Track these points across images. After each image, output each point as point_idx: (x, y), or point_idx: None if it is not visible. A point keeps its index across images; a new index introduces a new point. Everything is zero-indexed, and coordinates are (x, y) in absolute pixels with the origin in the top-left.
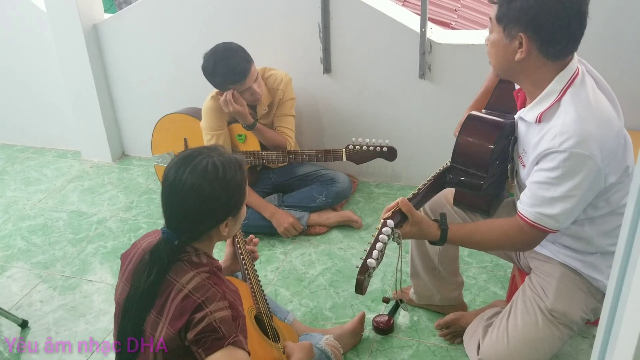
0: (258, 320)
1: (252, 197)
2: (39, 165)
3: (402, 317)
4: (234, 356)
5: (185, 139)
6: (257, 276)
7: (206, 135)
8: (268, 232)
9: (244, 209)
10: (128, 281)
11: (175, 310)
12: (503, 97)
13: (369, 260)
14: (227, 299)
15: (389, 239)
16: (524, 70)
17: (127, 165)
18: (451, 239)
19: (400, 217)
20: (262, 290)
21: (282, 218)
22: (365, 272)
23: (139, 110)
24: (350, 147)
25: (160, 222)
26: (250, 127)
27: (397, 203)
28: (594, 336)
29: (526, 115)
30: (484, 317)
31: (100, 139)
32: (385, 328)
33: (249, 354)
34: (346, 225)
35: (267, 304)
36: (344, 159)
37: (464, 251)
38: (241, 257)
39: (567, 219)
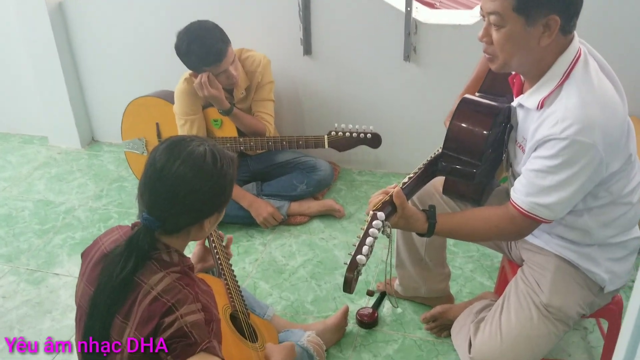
0: (234, 318)
1: None
2: (3, 152)
3: (387, 310)
4: None
5: (157, 124)
6: (233, 271)
7: (179, 120)
8: (246, 222)
9: (225, 208)
10: (90, 282)
11: (143, 314)
12: (497, 81)
13: (359, 256)
14: (199, 301)
15: (380, 233)
16: (541, 57)
17: (97, 151)
18: (439, 231)
19: (390, 208)
20: (238, 286)
21: (261, 208)
22: (354, 269)
23: (108, 93)
24: (333, 133)
25: (132, 212)
26: (226, 113)
27: (386, 193)
28: (585, 328)
29: (526, 101)
30: (473, 311)
31: (68, 124)
32: (369, 322)
33: (217, 355)
34: (328, 215)
35: (244, 301)
36: (326, 146)
37: (449, 240)
38: (215, 251)
39: (563, 209)
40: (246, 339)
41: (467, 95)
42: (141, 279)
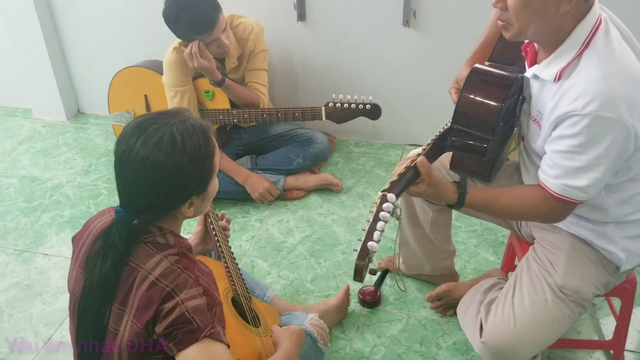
0: (235, 303)
1: (223, 160)
2: None
3: (390, 288)
4: (211, 351)
5: (145, 96)
6: (232, 253)
7: (169, 92)
8: (241, 197)
9: (214, 184)
10: (82, 268)
11: (141, 301)
12: (507, 49)
13: (370, 243)
14: (200, 284)
15: (391, 216)
16: (560, 24)
17: (84, 124)
18: (469, 203)
19: (412, 174)
20: (239, 269)
21: (257, 183)
22: (365, 256)
23: (94, 63)
24: (330, 104)
25: None
26: (218, 84)
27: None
28: (593, 304)
29: (542, 72)
30: (480, 289)
31: (52, 95)
32: (372, 301)
33: (228, 346)
34: (325, 189)
35: (245, 284)
36: (324, 118)
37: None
38: (213, 232)
39: (596, 189)
40: (249, 323)
41: (478, 65)
42: (136, 263)
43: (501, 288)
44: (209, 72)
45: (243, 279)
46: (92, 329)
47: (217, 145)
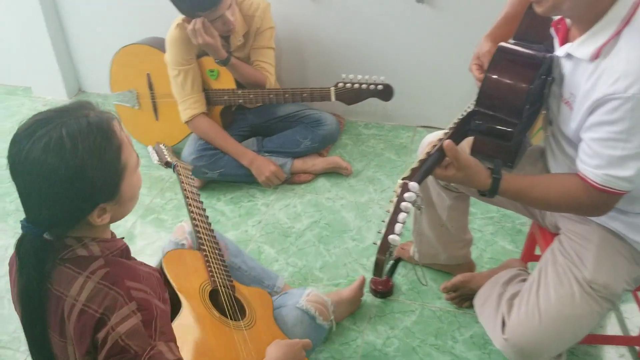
0: (216, 295)
1: (228, 142)
2: None
3: (402, 278)
4: None
5: (148, 75)
6: (214, 237)
7: (172, 70)
8: (247, 181)
9: (131, 184)
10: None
11: (76, 332)
12: (534, 25)
13: (391, 236)
14: (133, 298)
15: (413, 206)
16: (597, 0)
17: None
18: (503, 190)
19: (436, 158)
20: (221, 256)
21: (263, 166)
22: (386, 250)
23: (95, 40)
24: (340, 85)
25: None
26: (223, 63)
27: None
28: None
29: (576, 51)
30: (499, 281)
31: (52, 73)
32: (384, 291)
33: (179, 359)
34: (334, 172)
35: (227, 271)
36: (333, 99)
37: None
38: (192, 215)
39: None
40: (229, 317)
41: (503, 44)
42: (60, 291)
43: (522, 280)
44: (214, 50)
45: (226, 266)
46: (46, 356)
47: (125, 141)
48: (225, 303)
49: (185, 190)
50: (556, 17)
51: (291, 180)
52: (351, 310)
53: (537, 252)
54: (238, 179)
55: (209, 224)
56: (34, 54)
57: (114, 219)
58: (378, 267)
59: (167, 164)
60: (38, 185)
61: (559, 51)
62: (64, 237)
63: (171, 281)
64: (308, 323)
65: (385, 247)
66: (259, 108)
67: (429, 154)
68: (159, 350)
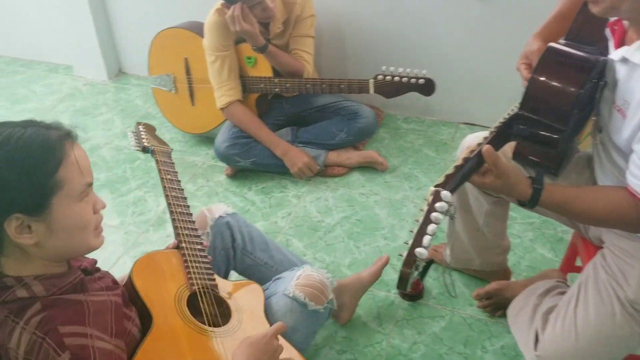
0: (195, 299)
1: (262, 131)
2: (27, 81)
3: (433, 281)
4: None
5: (186, 59)
6: (195, 229)
7: (209, 56)
8: (279, 171)
9: (67, 218)
10: None
11: None
12: (587, 26)
13: (418, 249)
14: (66, 347)
15: (444, 217)
16: None
17: (125, 84)
18: (545, 201)
19: (474, 163)
20: (201, 250)
21: (296, 157)
22: (412, 263)
23: (137, 21)
24: (380, 77)
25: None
26: (261, 50)
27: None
28: None
29: (633, 55)
30: (536, 292)
31: (93, 53)
32: (413, 293)
33: None
34: (369, 167)
35: (209, 269)
36: (372, 91)
37: None
38: (171, 210)
39: None
40: (211, 324)
41: (553, 44)
42: (5, 343)
43: (560, 293)
44: (252, 37)
45: (208, 264)
46: None
47: (73, 165)
48: (204, 310)
49: (162, 178)
50: (613, 18)
51: (324, 172)
52: (368, 287)
53: (578, 262)
54: (270, 169)
55: (190, 214)
56: (76, 33)
57: (49, 252)
58: (402, 280)
59: (145, 149)
60: None
61: (614, 54)
62: (3, 276)
63: (140, 294)
64: (299, 311)
65: (411, 261)
66: (296, 97)
67: (466, 160)
68: None
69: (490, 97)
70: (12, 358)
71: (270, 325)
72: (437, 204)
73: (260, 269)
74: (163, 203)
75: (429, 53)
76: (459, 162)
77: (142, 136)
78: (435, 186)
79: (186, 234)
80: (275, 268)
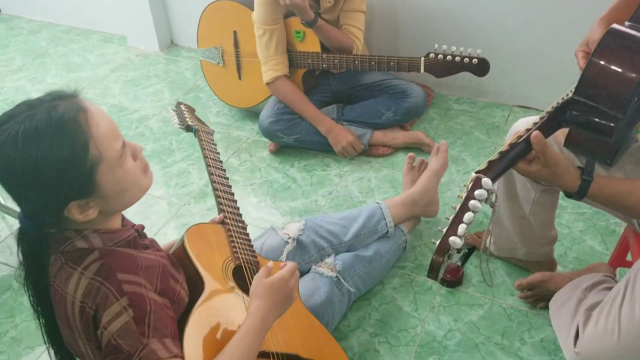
0: (240, 272)
1: (307, 107)
2: (83, 50)
3: (475, 268)
4: None
5: (235, 32)
6: (237, 208)
7: (258, 29)
8: (323, 149)
9: (113, 177)
10: None
11: (82, 329)
12: None
13: (452, 238)
14: (125, 293)
15: (483, 204)
16: None
17: (176, 56)
18: (594, 194)
19: (521, 150)
20: (244, 229)
21: (340, 135)
22: (445, 252)
23: None
24: (432, 55)
25: (209, 123)
26: (309, 24)
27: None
28: None
29: None
30: (581, 286)
31: (146, 24)
32: (452, 280)
33: (176, 355)
34: (415, 148)
35: (251, 247)
36: (422, 70)
37: None
38: (214, 185)
39: None
40: None
41: (616, 26)
42: (61, 288)
43: (606, 288)
44: (301, 10)
45: (248, 240)
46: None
47: (97, 135)
48: (249, 281)
49: (207, 157)
50: None
51: (369, 152)
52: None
53: (630, 257)
54: (314, 147)
55: (232, 194)
56: (130, 3)
57: (110, 212)
58: (434, 269)
59: (188, 128)
60: (5, 179)
61: None
62: (64, 229)
63: (193, 259)
64: (312, 277)
65: (444, 249)
66: (344, 74)
67: (512, 146)
68: (151, 349)
69: (547, 79)
70: (69, 304)
71: (303, 305)
72: (477, 192)
73: (354, 244)
74: (206, 176)
75: (485, 32)
76: (504, 147)
77: (185, 115)
78: (476, 172)
79: (230, 212)
80: (364, 233)
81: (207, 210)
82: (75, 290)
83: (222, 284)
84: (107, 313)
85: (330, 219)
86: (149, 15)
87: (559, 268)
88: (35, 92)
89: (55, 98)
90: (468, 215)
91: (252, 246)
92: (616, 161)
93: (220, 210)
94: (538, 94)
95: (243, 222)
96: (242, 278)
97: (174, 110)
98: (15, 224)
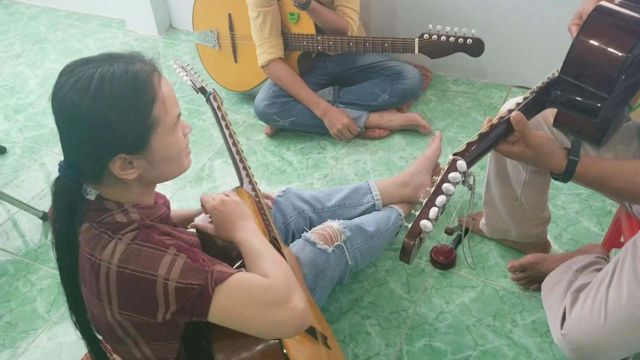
0: None
1: (302, 90)
2: (82, 35)
3: (467, 250)
4: (233, 290)
5: (229, 15)
6: (256, 183)
7: (252, 12)
8: (318, 132)
9: (164, 145)
10: None
11: (122, 297)
12: None
13: (424, 221)
14: (169, 245)
15: (456, 186)
16: None
17: (174, 39)
18: (580, 175)
19: (501, 131)
20: (264, 204)
21: (336, 118)
22: (416, 235)
23: None
24: (426, 36)
25: (202, 110)
26: (302, 7)
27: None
28: None
29: None
30: (572, 267)
31: (145, 7)
32: (445, 262)
33: (232, 274)
34: (411, 130)
35: (270, 224)
36: (416, 51)
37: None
38: (235, 153)
39: None
40: None
41: (604, 3)
42: (94, 256)
43: (597, 270)
44: None
45: (267, 215)
46: (75, 308)
47: (164, 98)
48: None
49: (226, 124)
50: None
51: (365, 134)
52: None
53: (623, 240)
54: (310, 129)
55: (249, 167)
56: None
57: (147, 180)
58: (405, 252)
59: (202, 91)
60: (63, 121)
61: None
62: (105, 199)
63: None
64: (310, 249)
65: (415, 232)
66: (340, 56)
67: (492, 127)
68: (219, 270)
69: (545, 59)
70: (103, 271)
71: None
72: (451, 174)
73: (338, 213)
74: (201, 160)
75: (483, 11)
76: (484, 129)
77: (196, 76)
78: (454, 154)
79: (255, 186)
80: (349, 203)
81: (202, 193)
82: (112, 256)
83: None
84: (161, 266)
85: (316, 191)
86: None
87: (555, 250)
88: (34, 77)
89: (135, 56)
90: (440, 199)
91: (270, 222)
92: (606, 141)
93: (248, 180)
94: (536, 73)
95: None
96: None
97: (179, 66)
98: (12, 209)
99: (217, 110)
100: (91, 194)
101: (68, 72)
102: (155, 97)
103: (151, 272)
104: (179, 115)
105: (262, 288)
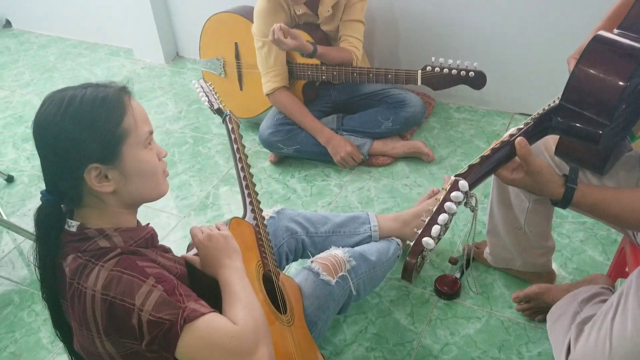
0: (265, 281)
1: (306, 118)
2: (90, 63)
3: (472, 280)
4: (199, 332)
5: (236, 44)
6: (261, 210)
7: (257, 42)
8: (323, 159)
9: (135, 158)
10: None
11: (106, 321)
12: None
13: (426, 239)
14: (149, 274)
15: (458, 207)
16: None
17: (181, 68)
18: (578, 202)
19: (503, 156)
20: (268, 233)
21: (340, 145)
22: (418, 254)
23: (194, 5)
24: (428, 68)
25: (207, 138)
26: (311, 55)
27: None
28: None
29: None
30: (577, 298)
31: (152, 36)
32: (449, 292)
33: (203, 314)
34: (415, 158)
35: (273, 254)
36: (419, 82)
37: None
38: (244, 183)
39: None
40: (279, 310)
41: (602, 32)
42: (80, 284)
43: (603, 301)
44: (299, 49)
45: (271, 247)
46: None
47: (135, 113)
48: (277, 294)
49: (237, 147)
50: None
51: (368, 162)
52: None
53: (629, 270)
54: (314, 157)
55: (257, 194)
56: (135, 16)
57: (126, 197)
58: (407, 271)
59: (219, 112)
60: (39, 140)
61: None
62: (86, 228)
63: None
64: (313, 280)
65: (417, 250)
66: (344, 84)
67: (494, 150)
68: (191, 309)
69: (547, 87)
70: (89, 299)
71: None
72: (453, 194)
73: (331, 239)
74: (206, 188)
75: (485, 41)
76: (486, 152)
77: (215, 96)
78: (456, 175)
79: (258, 211)
80: (344, 231)
81: (206, 223)
82: (95, 283)
83: (255, 286)
84: (138, 296)
85: (312, 212)
86: (154, 28)
87: (560, 279)
88: None
89: (110, 83)
90: (442, 217)
91: (274, 254)
92: (608, 170)
93: (250, 208)
94: (538, 100)
95: (266, 225)
96: (269, 287)
97: (199, 84)
98: (18, 238)
99: (232, 133)
100: (73, 227)
101: (48, 99)
102: (124, 111)
103: (129, 301)
104: (151, 132)
105: (228, 335)
